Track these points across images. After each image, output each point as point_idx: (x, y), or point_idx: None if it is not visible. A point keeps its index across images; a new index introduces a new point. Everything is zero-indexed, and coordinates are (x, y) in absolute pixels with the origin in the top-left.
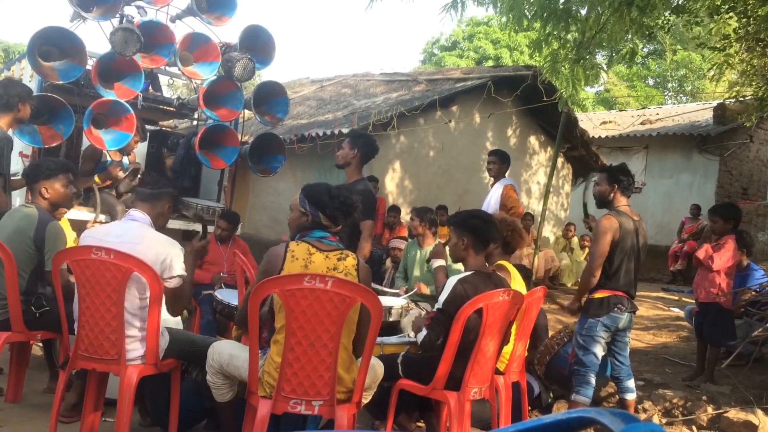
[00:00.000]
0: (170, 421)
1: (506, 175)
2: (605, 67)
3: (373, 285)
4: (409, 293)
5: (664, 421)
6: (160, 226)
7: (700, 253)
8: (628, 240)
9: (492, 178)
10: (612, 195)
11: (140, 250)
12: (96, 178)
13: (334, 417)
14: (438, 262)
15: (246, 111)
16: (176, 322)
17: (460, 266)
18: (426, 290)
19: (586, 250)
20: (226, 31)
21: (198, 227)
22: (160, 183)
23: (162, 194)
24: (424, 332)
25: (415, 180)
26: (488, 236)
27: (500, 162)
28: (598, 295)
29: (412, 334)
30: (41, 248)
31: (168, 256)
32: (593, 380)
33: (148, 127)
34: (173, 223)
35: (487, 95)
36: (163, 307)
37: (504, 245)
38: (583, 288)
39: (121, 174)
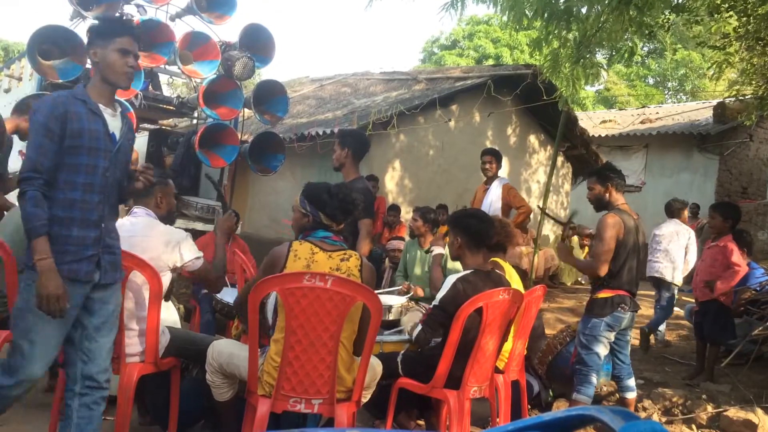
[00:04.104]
0: (170, 419)
1: (503, 174)
2: (605, 66)
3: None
4: (406, 295)
5: (663, 419)
6: (162, 215)
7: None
8: (630, 238)
9: (487, 178)
10: (608, 195)
11: (150, 242)
12: None
13: (333, 415)
14: (437, 249)
15: (246, 110)
16: (175, 322)
17: (457, 265)
18: (422, 293)
19: (586, 249)
20: (226, 30)
21: (197, 226)
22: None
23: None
24: (419, 327)
25: (415, 179)
26: (482, 235)
27: (497, 161)
28: (602, 295)
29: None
30: None
31: (177, 244)
32: (595, 380)
33: (148, 126)
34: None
35: (487, 94)
36: (163, 307)
37: (495, 246)
38: (583, 270)
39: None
